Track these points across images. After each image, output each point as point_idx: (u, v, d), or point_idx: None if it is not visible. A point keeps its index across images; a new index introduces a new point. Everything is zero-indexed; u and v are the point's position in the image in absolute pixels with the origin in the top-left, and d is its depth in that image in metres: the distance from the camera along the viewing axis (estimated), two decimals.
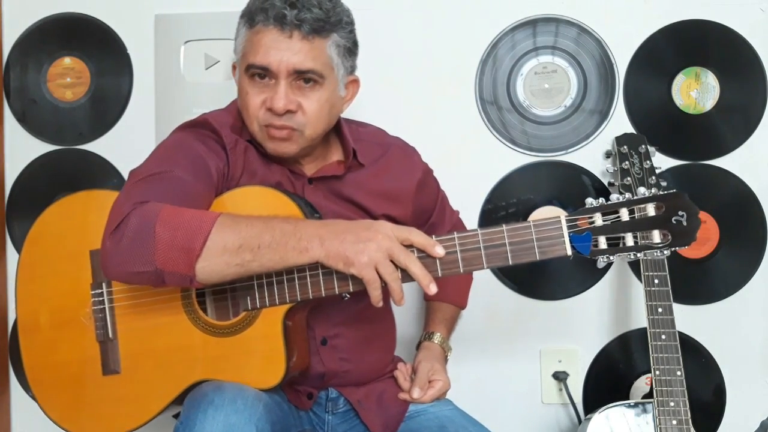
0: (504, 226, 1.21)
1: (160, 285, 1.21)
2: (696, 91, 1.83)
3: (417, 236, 1.21)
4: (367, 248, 1.17)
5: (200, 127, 1.39)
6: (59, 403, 1.38)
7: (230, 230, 1.17)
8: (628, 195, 1.20)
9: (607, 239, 1.19)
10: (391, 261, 1.19)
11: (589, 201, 1.21)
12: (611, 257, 1.20)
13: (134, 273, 1.19)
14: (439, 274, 1.22)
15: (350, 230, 1.19)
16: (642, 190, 1.20)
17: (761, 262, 1.83)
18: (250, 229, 1.18)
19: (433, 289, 1.20)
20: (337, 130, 1.47)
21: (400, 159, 1.52)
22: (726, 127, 1.83)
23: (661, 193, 1.20)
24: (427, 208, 1.60)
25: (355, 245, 1.17)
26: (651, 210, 1.18)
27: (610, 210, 1.20)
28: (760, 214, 1.83)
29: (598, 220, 1.19)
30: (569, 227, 1.20)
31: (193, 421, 1.14)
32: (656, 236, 1.18)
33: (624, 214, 1.19)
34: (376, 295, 1.19)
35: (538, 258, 1.20)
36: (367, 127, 1.55)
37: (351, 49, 1.40)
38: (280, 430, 1.29)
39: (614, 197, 1.21)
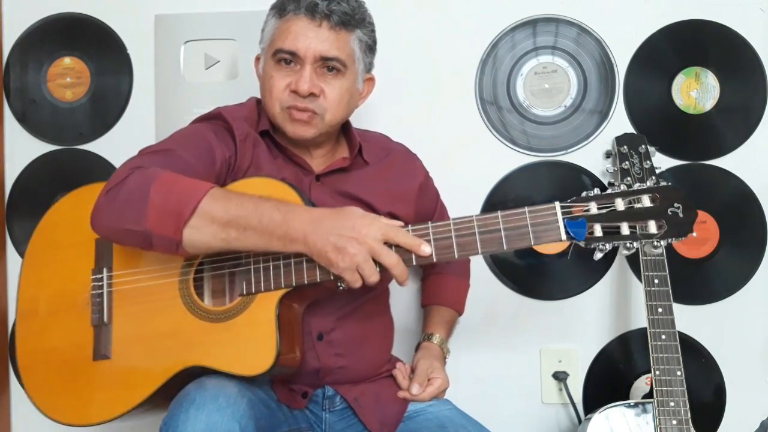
0: (499, 212, 1.23)
1: (148, 248, 1.24)
2: (696, 91, 1.83)
3: (403, 237, 1.23)
4: (348, 252, 1.20)
5: (213, 118, 1.44)
6: (45, 389, 1.37)
7: (220, 204, 1.21)
8: (623, 187, 1.21)
9: (603, 228, 1.20)
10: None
11: (585, 192, 1.22)
12: (606, 245, 1.20)
13: (123, 230, 1.23)
14: (434, 259, 1.24)
15: (336, 227, 1.21)
16: (637, 184, 1.21)
17: (761, 262, 1.83)
18: (240, 209, 1.21)
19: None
20: (345, 130, 1.53)
21: (403, 162, 1.57)
22: (726, 127, 1.83)
23: (657, 186, 1.20)
24: (428, 212, 1.63)
25: (336, 247, 1.20)
26: (646, 201, 1.20)
27: (605, 200, 1.21)
28: (760, 214, 1.82)
29: (594, 208, 1.20)
30: (564, 213, 1.21)
31: (175, 422, 1.15)
32: (652, 226, 1.18)
33: (620, 204, 1.20)
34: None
35: (532, 243, 1.22)
36: (371, 132, 1.60)
37: (371, 47, 1.48)
38: (266, 426, 1.29)
39: (610, 189, 1.22)
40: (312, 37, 1.38)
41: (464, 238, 1.23)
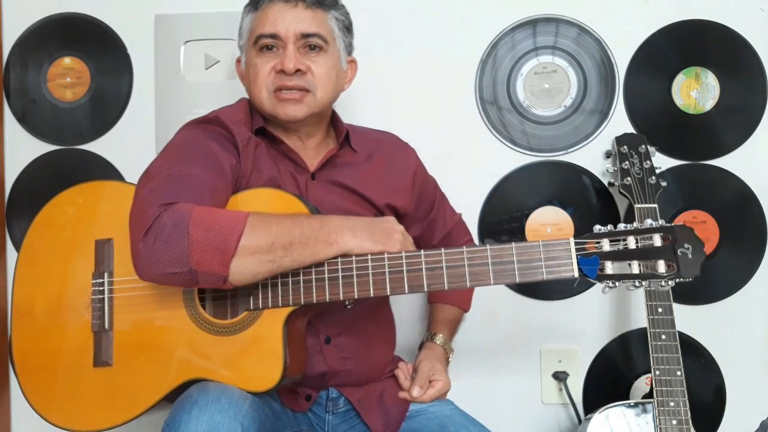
0: (513, 243, 1.24)
1: (193, 285, 1.23)
2: (696, 91, 1.83)
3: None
4: (393, 239, 1.29)
5: (211, 123, 1.40)
6: (44, 392, 1.36)
7: (261, 229, 1.21)
8: (636, 224, 1.22)
9: (614, 266, 1.21)
10: None
11: (597, 227, 1.23)
12: (616, 283, 1.21)
13: (168, 274, 1.19)
14: (446, 287, 1.24)
15: (373, 224, 1.31)
16: (649, 221, 1.22)
17: (761, 262, 1.83)
18: (280, 227, 1.22)
19: None
20: (332, 119, 1.53)
21: (394, 152, 1.57)
22: (726, 127, 1.83)
23: (669, 225, 1.21)
24: (427, 200, 1.62)
25: (384, 236, 1.29)
26: (657, 240, 1.20)
27: (618, 237, 1.21)
28: (760, 214, 1.82)
29: (606, 245, 1.21)
30: (577, 249, 1.22)
31: (177, 423, 1.14)
32: (661, 266, 1.19)
33: (631, 242, 1.21)
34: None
35: (545, 277, 1.22)
36: (359, 126, 1.59)
37: (348, 28, 1.51)
38: (270, 428, 1.29)
39: (622, 226, 1.23)
40: (290, 18, 1.40)
41: (477, 268, 1.24)
